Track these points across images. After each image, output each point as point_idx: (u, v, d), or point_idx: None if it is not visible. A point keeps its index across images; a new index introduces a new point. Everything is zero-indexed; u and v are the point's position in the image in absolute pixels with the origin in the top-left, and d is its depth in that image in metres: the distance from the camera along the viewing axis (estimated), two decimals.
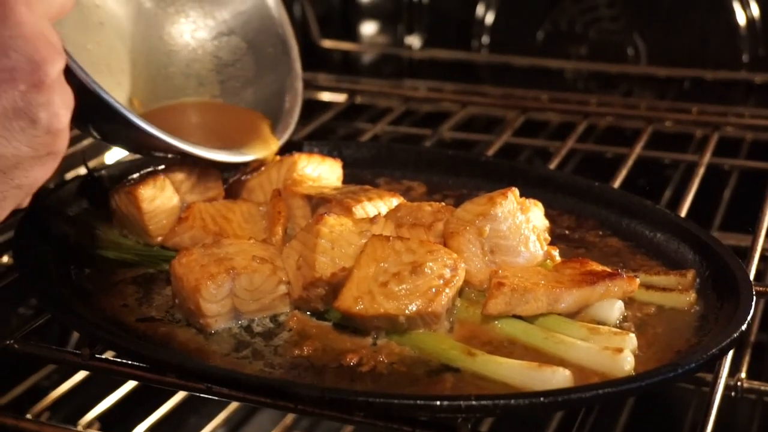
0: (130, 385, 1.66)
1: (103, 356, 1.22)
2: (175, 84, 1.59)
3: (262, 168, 1.51)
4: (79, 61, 1.19)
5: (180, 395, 1.70)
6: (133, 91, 1.54)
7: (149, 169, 1.48)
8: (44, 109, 0.98)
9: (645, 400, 1.91)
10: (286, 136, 1.54)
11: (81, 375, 1.64)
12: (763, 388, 1.54)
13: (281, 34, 1.61)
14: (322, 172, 1.51)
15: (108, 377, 1.61)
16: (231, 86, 1.60)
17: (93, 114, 1.23)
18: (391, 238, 1.25)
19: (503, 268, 1.27)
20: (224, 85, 1.61)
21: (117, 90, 1.51)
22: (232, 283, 1.23)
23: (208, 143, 1.42)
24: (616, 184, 1.74)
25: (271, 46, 1.61)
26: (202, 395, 1.15)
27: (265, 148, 1.50)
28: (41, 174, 1.02)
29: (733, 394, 1.52)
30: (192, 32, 1.61)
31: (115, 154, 1.97)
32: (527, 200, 1.40)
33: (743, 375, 1.53)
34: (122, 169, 1.59)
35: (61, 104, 1.00)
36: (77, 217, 1.48)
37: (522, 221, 1.31)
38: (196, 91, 1.60)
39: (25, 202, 1.04)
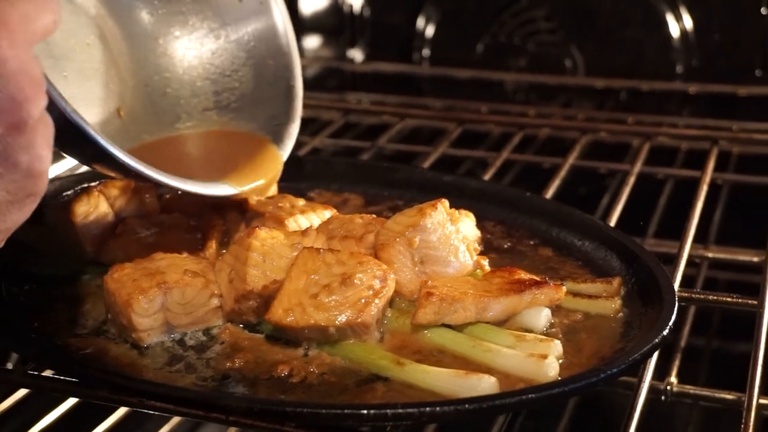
0: (73, 401, 1.66)
1: (42, 373, 1.23)
2: (167, 92, 1.51)
3: None
4: (65, 69, 1.13)
5: (123, 410, 1.70)
6: (123, 97, 1.46)
7: (84, 185, 1.49)
8: (25, 151, 0.90)
9: (585, 406, 1.94)
10: (276, 171, 1.42)
11: (23, 392, 1.63)
12: (692, 391, 1.57)
13: (284, 45, 1.50)
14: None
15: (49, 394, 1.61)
16: (225, 99, 1.52)
17: (76, 144, 1.13)
18: (321, 250, 1.26)
19: (433, 279, 1.29)
20: (219, 96, 1.52)
21: (105, 97, 1.43)
22: (164, 297, 1.24)
23: (204, 175, 1.34)
24: (549, 194, 1.77)
25: (272, 59, 1.50)
26: (137, 410, 1.16)
27: (263, 175, 1.40)
28: (19, 217, 0.94)
29: (663, 398, 1.55)
30: (189, 38, 1.51)
31: (50, 171, 1.96)
32: (458, 211, 1.43)
33: (673, 379, 1.56)
34: (57, 185, 1.59)
35: (44, 144, 0.92)
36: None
37: (452, 232, 1.33)
38: (188, 101, 1.51)
39: (1, 244, 0.97)
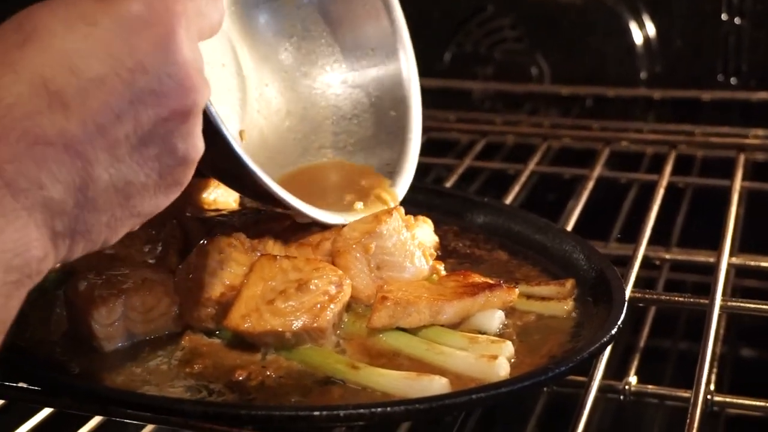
0: (48, 410, 1.67)
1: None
2: (287, 125, 1.53)
3: None
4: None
5: (98, 417, 1.72)
6: (243, 122, 1.48)
7: None
8: (184, 139, 0.93)
9: (553, 408, 1.97)
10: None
11: None
12: (651, 390, 1.60)
13: (408, 98, 1.53)
14: (217, 196, 1.55)
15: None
16: (342, 140, 1.53)
17: (210, 151, 1.12)
18: (278, 257, 1.29)
19: (389, 283, 1.32)
20: (336, 137, 1.53)
21: (229, 119, 1.46)
22: (123, 305, 1.27)
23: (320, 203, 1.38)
24: (509, 199, 1.81)
25: (394, 109, 1.53)
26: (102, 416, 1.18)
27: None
28: (162, 202, 0.97)
29: (622, 397, 1.58)
30: (316, 77, 1.54)
31: None
32: (415, 217, 1.46)
33: (631, 379, 1.59)
34: None
35: (200, 135, 0.96)
36: None
37: (407, 238, 1.36)
38: (306, 137, 1.53)
39: (137, 227, 0.97)
